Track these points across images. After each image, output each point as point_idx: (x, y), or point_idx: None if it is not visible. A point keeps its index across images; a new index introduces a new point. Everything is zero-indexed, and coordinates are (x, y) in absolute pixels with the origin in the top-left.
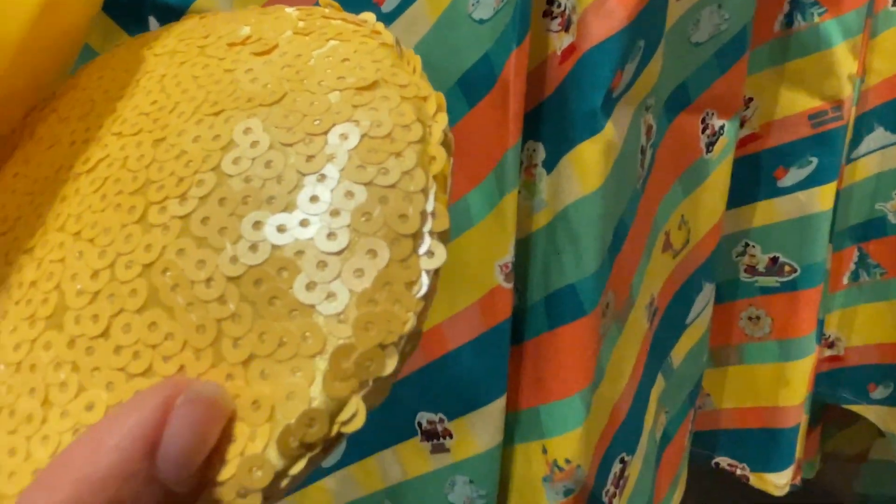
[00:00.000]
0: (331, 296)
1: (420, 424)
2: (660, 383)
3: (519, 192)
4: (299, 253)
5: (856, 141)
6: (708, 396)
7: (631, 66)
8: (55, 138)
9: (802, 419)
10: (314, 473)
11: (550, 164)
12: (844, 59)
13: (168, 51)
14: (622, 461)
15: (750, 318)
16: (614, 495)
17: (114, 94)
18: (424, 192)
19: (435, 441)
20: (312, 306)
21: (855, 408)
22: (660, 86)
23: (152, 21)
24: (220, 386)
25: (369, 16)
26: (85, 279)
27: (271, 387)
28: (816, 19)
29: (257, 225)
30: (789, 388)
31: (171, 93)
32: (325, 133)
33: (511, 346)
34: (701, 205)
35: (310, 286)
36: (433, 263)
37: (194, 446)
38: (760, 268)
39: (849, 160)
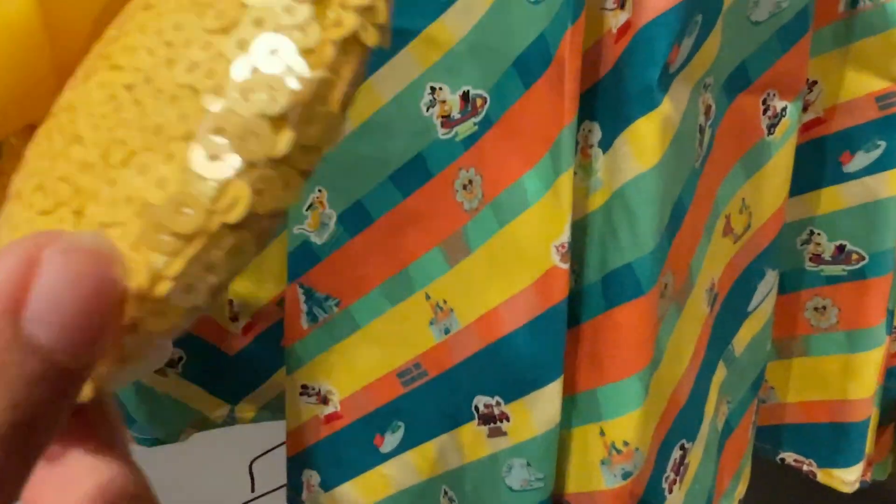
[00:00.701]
0: (210, 73)
1: (477, 408)
2: (721, 371)
3: (575, 173)
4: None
5: None
6: (772, 389)
7: (688, 41)
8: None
9: (872, 413)
10: (371, 458)
11: (606, 144)
12: None
13: None
14: (682, 448)
15: (816, 309)
16: (674, 482)
17: None
18: None
19: (492, 424)
20: (192, 86)
21: None
22: (718, 65)
23: None
24: (99, 233)
25: None
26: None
27: (144, 180)
28: None
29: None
30: (858, 380)
31: None
32: None
33: (568, 327)
34: (763, 189)
35: (191, 67)
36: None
37: (69, 301)
38: (826, 256)
39: None
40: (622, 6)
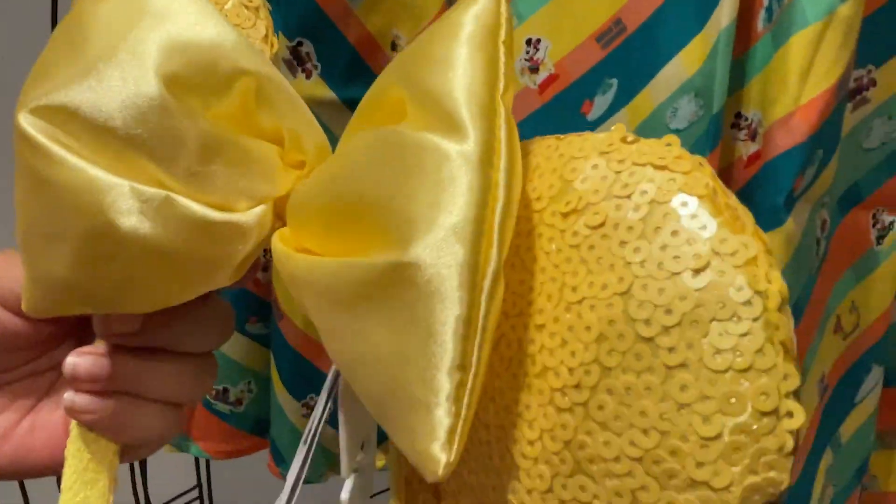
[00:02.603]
0: (716, 474)
1: None
2: (828, 457)
3: None
4: (684, 437)
5: None
6: (874, 478)
7: (811, 170)
8: None
9: None
10: None
11: None
12: None
13: None
14: None
15: None
16: None
17: None
18: (775, 366)
19: None
20: (706, 482)
21: None
22: (834, 185)
23: None
24: None
25: (673, 140)
26: (524, 445)
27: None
28: None
29: (643, 414)
30: None
31: (532, 269)
32: (678, 325)
33: None
34: (871, 292)
35: (699, 465)
36: (794, 423)
37: None
38: None
39: None
40: (752, 139)
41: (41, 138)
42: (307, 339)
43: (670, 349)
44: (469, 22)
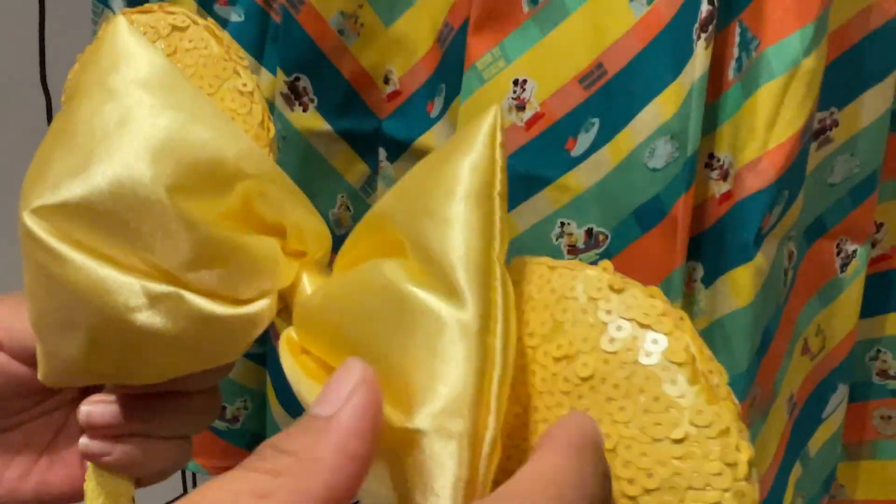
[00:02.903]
0: None
1: None
2: (797, 470)
3: (681, 303)
4: None
5: None
6: (842, 487)
7: (777, 210)
8: None
9: None
10: None
11: (708, 281)
12: None
13: None
14: None
15: (882, 417)
16: None
17: None
18: None
19: None
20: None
21: None
22: (801, 219)
23: (381, 151)
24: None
25: (656, 293)
26: None
27: None
28: None
29: None
30: None
31: (526, 406)
32: (658, 489)
33: None
34: (836, 316)
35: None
36: None
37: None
38: (892, 372)
39: None
40: (724, 179)
41: (47, 238)
42: None
43: None
44: (466, 176)
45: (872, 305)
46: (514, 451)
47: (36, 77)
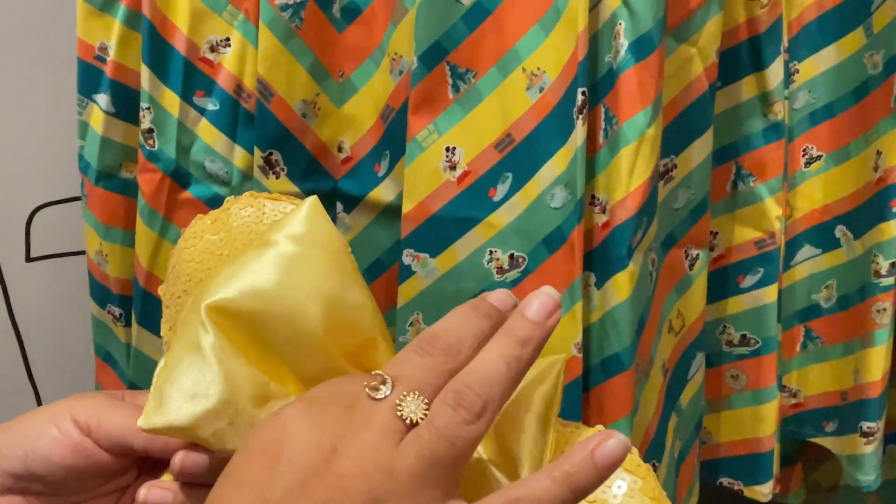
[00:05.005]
0: None
1: None
2: (673, 419)
3: (582, 301)
4: None
5: (791, 255)
6: (709, 434)
7: (640, 231)
8: None
9: (775, 446)
10: None
11: (599, 285)
12: (772, 207)
13: None
14: (654, 466)
15: (732, 377)
16: None
17: None
18: None
19: None
20: None
21: (816, 440)
22: (658, 235)
23: (338, 205)
24: None
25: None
26: None
27: None
28: (751, 184)
29: None
30: (763, 423)
31: None
32: None
33: (582, 391)
34: (689, 303)
35: None
36: None
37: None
38: (735, 342)
39: (788, 267)
40: (603, 212)
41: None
42: None
43: None
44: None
45: (716, 293)
46: None
47: None
